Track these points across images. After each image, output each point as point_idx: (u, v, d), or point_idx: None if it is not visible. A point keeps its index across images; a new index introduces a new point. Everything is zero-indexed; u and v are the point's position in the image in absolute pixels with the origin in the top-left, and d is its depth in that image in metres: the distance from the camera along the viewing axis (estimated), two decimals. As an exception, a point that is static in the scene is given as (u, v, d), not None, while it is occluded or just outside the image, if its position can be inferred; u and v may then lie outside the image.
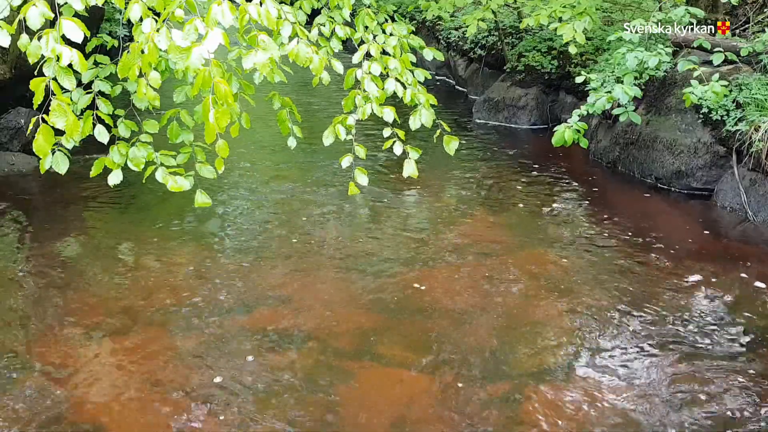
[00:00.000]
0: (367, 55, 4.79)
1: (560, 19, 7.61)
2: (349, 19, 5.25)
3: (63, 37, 3.23)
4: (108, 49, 5.28)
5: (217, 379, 4.01)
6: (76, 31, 3.19)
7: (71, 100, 4.12)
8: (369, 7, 5.36)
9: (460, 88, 12.22)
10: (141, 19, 3.52)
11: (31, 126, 3.49)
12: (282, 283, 5.17)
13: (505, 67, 10.46)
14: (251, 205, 6.83)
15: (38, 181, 7.20)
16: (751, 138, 6.39)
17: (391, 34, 5.10)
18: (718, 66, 6.55)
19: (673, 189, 7.15)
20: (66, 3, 3.35)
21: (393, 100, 4.86)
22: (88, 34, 3.41)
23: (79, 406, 3.78)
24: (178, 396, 3.87)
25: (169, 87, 5.12)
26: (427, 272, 5.39)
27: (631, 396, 3.90)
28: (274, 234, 6.13)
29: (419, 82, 4.98)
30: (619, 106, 6.85)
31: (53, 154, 3.96)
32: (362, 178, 4.76)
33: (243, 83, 4.69)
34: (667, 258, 5.58)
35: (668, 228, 6.29)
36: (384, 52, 4.91)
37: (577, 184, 7.44)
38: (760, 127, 6.31)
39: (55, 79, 3.33)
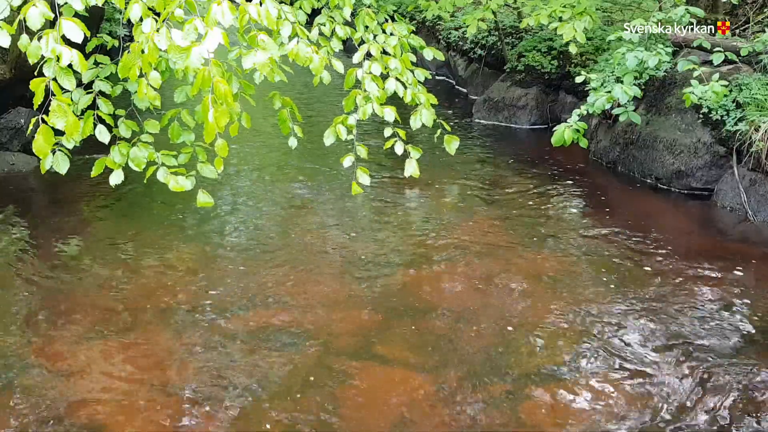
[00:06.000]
0: (368, 55, 4.80)
1: (560, 19, 7.61)
2: (349, 19, 5.25)
3: (63, 37, 3.23)
4: (108, 49, 5.28)
5: (217, 379, 4.01)
6: (76, 31, 3.19)
7: (71, 100, 4.12)
8: (369, 7, 5.36)
9: (460, 88, 12.22)
10: (141, 19, 3.52)
11: (31, 126, 3.49)
12: (282, 283, 5.17)
13: (505, 67, 10.46)
14: (252, 204, 6.83)
15: (38, 181, 7.20)
16: (751, 138, 6.40)
17: (391, 34, 5.10)
18: (718, 66, 6.55)
19: (673, 189, 7.15)
20: (66, 3, 3.35)
21: (393, 100, 4.87)
22: (88, 34, 3.42)
23: (79, 406, 3.78)
24: (177, 396, 3.87)
25: (169, 87, 5.13)
26: (427, 272, 5.39)
27: (630, 395, 3.90)
28: (275, 234, 6.13)
29: (419, 81, 4.99)
30: (619, 105, 6.85)
31: (53, 154, 3.96)
32: (364, 178, 4.76)
33: (243, 83, 4.70)
34: (667, 258, 5.58)
35: (668, 228, 6.29)
36: (384, 52, 4.91)
37: (576, 184, 7.44)
38: (760, 127, 6.31)
39: (55, 79, 3.34)
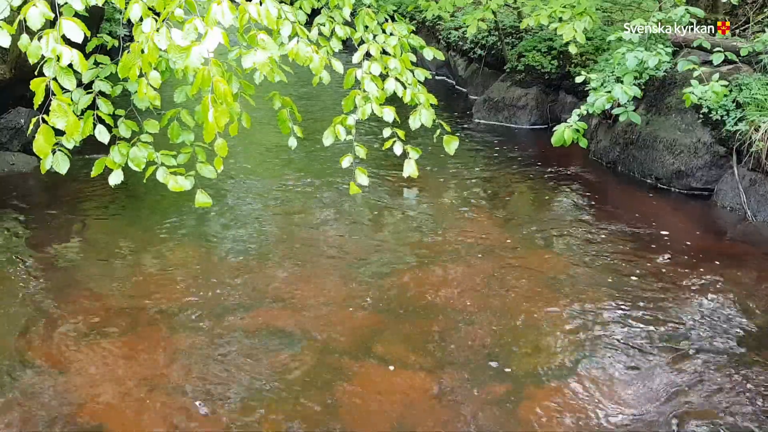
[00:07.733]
0: (367, 55, 4.79)
1: (560, 19, 7.61)
2: (349, 19, 5.25)
3: (63, 37, 3.23)
4: (108, 49, 5.28)
5: (217, 379, 4.02)
6: (76, 31, 3.19)
7: (71, 100, 4.11)
8: (369, 6, 5.36)
9: (460, 88, 12.22)
10: (141, 19, 3.52)
11: (31, 126, 3.49)
12: (282, 283, 5.17)
13: (505, 67, 10.46)
14: (251, 205, 6.83)
15: (38, 181, 7.20)
16: (751, 138, 6.40)
17: (391, 34, 5.10)
18: (718, 66, 6.55)
19: (673, 189, 7.15)
20: (66, 3, 3.35)
21: (393, 100, 4.86)
22: (89, 34, 3.42)
23: (79, 406, 3.78)
24: (177, 396, 3.87)
25: (170, 87, 5.13)
26: (427, 272, 5.40)
27: (631, 396, 3.91)
28: (274, 234, 6.13)
29: (419, 81, 4.98)
30: (619, 105, 6.85)
31: (54, 154, 3.96)
32: (362, 178, 4.76)
33: (243, 83, 4.69)
34: (667, 258, 5.58)
35: (668, 228, 6.29)
36: (384, 52, 4.91)
37: (576, 184, 7.44)
38: (760, 127, 6.31)
39: (55, 79, 3.34)
